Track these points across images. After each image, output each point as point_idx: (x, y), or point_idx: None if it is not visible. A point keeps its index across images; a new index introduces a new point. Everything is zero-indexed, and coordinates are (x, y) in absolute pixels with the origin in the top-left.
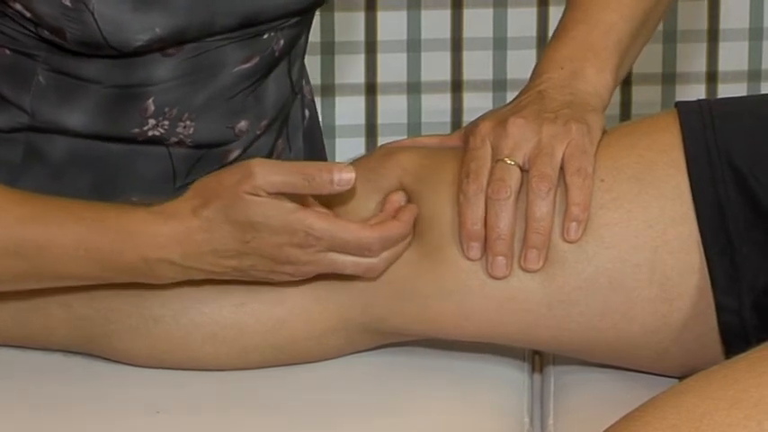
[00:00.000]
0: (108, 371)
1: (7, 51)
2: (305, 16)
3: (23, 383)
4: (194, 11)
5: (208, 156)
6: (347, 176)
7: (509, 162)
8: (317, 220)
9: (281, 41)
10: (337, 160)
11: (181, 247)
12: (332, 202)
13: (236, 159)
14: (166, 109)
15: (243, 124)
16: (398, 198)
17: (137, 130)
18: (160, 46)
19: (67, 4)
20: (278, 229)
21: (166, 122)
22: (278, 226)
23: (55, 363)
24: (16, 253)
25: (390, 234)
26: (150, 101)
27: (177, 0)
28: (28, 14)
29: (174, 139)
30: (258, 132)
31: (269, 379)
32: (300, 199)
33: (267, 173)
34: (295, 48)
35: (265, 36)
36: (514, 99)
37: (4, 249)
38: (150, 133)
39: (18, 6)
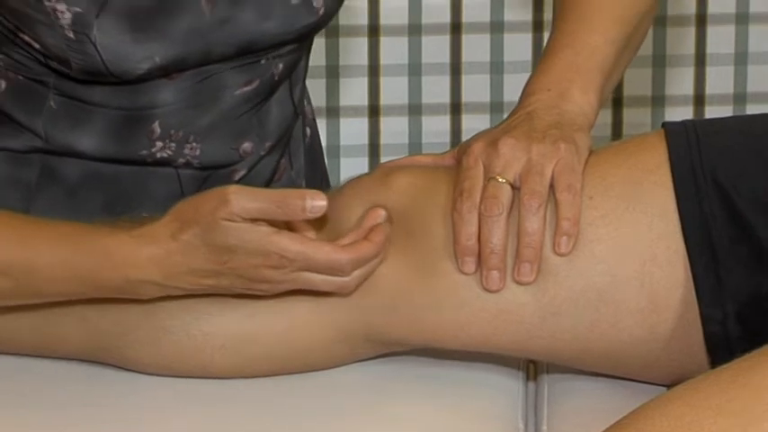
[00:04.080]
0: (117, 377)
1: (20, 78)
2: (302, 43)
3: (38, 389)
4: (191, 41)
5: (214, 176)
6: (319, 204)
7: (501, 180)
8: (290, 243)
9: (280, 66)
10: (341, 179)
11: (160, 269)
12: (332, 220)
13: (242, 179)
14: (172, 131)
15: (247, 145)
16: (376, 215)
17: (145, 152)
18: (161, 73)
19: (71, 36)
20: (253, 252)
21: (173, 144)
22: (253, 249)
23: (68, 369)
24: (4, 272)
25: (361, 255)
26: (156, 124)
27: (174, 31)
28: (36, 45)
29: (181, 161)
30: (262, 153)
31: (268, 386)
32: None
33: (242, 200)
34: (295, 71)
35: (263, 62)
36: (505, 120)
37: None
38: (158, 155)
39: (26, 38)
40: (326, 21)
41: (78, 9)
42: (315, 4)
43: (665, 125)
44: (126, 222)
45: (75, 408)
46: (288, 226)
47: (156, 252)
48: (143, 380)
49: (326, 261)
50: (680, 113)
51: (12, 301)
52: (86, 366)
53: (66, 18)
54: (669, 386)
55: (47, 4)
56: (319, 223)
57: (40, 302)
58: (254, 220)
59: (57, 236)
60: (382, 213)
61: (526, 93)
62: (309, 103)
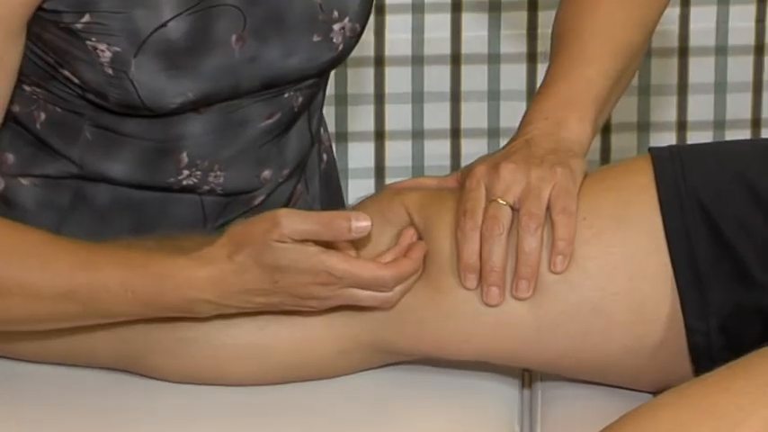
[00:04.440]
0: (143, 384)
1: (58, 109)
2: (322, 77)
3: (70, 397)
4: (221, 77)
5: (235, 202)
6: (363, 224)
7: (501, 202)
8: (337, 262)
9: (300, 98)
10: (350, 199)
11: (216, 288)
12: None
13: (261, 204)
14: (198, 161)
15: (267, 173)
16: (410, 234)
17: (172, 180)
18: (192, 107)
19: (110, 72)
20: (303, 271)
21: (199, 173)
22: (303, 268)
23: (96, 377)
24: (70, 297)
25: (403, 271)
26: (184, 154)
27: (206, 68)
28: (76, 80)
29: (205, 188)
30: (280, 180)
31: (279, 392)
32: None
33: (292, 222)
34: (313, 103)
35: (286, 95)
36: (505, 146)
37: (60, 295)
38: (184, 182)
39: (67, 73)
40: (345, 56)
41: (118, 48)
42: (334, 40)
43: (651, 150)
44: (151, 242)
45: (101, 414)
46: (329, 245)
47: (213, 273)
48: (166, 387)
49: (372, 278)
50: (664, 139)
51: (81, 323)
52: (114, 375)
53: (106, 56)
54: (656, 393)
55: (88, 43)
56: (358, 243)
57: (108, 322)
58: (302, 241)
59: (117, 261)
60: (413, 233)
61: (525, 121)
62: (326, 130)
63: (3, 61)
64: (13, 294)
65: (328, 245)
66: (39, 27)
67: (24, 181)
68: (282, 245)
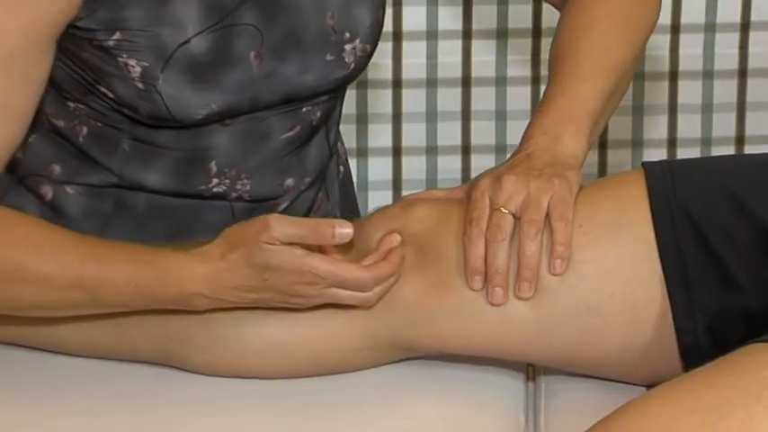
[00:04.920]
0: (180, 376)
1: (98, 124)
2: (337, 93)
3: (114, 389)
4: (241, 91)
5: (261, 208)
6: (345, 231)
7: (504, 211)
8: (321, 263)
9: (318, 113)
10: (369, 209)
11: (211, 284)
12: (361, 242)
13: (285, 210)
14: (226, 170)
15: (290, 181)
16: (391, 240)
17: (203, 188)
18: (217, 119)
19: (140, 86)
20: (290, 271)
21: (227, 181)
22: (290, 268)
23: (137, 369)
24: (80, 287)
25: (381, 273)
26: (213, 163)
27: (228, 82)
28: (111, 95)
29: (234, 195)
30: (302, 188)
31: (299, 384)
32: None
33: (281, 227)
34: (331, 118)
35: (304, 109)
36: (507, 160)
37: (69, 284)
38: (214, 190)
39: (102, 89)
40: (356, 74)
41: (146, 64)
42: (346, 59)
43: (644, 164)
44: (181, 247)
45: (142, 402)
46: (320, 249)
47: (208, 270)
48: (199, 379)
49: (352, 279)
50: (656, 155)
51: (86, 311)
52: (153, 368)
53: (136, 72)
54: (648, 387)
55: (120, 59)
56: (346, 247)
57: (109, 312)
58: (291, 244)
59: (124, 255)
60: (397, 238)
61: (525, 136)
62: (343, 144)
63: (32, 74)
64: (29, 283)
65: (321, 250)
66: (76, 47)
67: (70, 190)
68: (272, 246)
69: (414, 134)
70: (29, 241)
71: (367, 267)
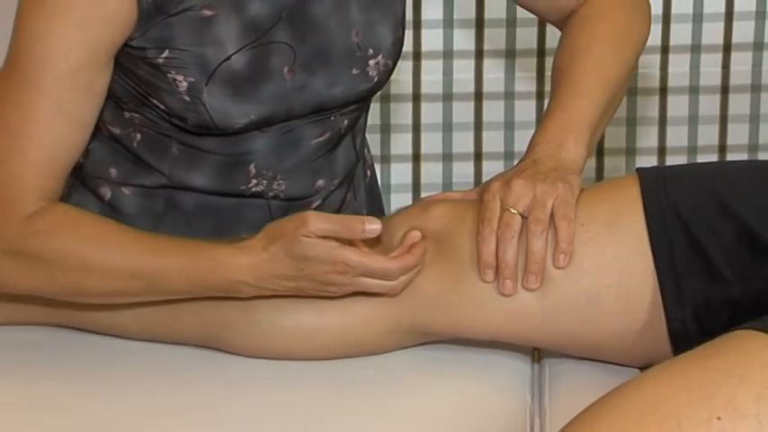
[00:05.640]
0: (223, 357)
1: (151, 132)
2: (362, 104)
3: (163, 370)
4: (276, 102)
5: (295, 206)
6: (375, 227)
7: (513, 211)
8: (353, 255)
9: (346, 121)
10: (392, 210)
11: (254, 273)
12: (385, 237)
13: (317, 208)
14: (264, 171)
15: (320, 182)
16: (415, 235)
17: (243, 188)
18: (255, 127)
19: (187, 99)
20: (324, 261)
21: (265, 182)
22: (324, 259)
23: (185, 351)
24: (137, 276)
25: (406, 264)
26: (252, 166)
27: (265, 94)
28: (162, 106)
29: (270, 194)
30: (332, 188)
31: (327, 365)
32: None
33: (317, 222)
34: (357, 125)
35: (332, 118)
36: (516, 165)
37: (128, 273)
38: (253, 190)
39: (155, 101)
40: (379, 87)
41: (192, 79)
42: (370, 73)
43: (638, 170)
44: (226, 241)
45: (187, 382)
46: (350, 243)
47: (252, 260)
48: (241, 360)
49: (381, 269)
50: (647, 161)
51: (144, 298)
52: (200, 350)
53: (183, 86)
54: (642, 368)
55: (169, 75)
56: (373, 242)
57: (162, 299)
58: (325, 238)
59: (176, 248)
60: (418, 234)
61: (531, 144)
62: (369, 152)
63: (94, 87)
64: (94, 273)
65: (351, 243)
66: (131, 64)
67: (126, 190)
68: (309, 239)
69: (431, 143)
70: (93, 236)
71: (393, 259)
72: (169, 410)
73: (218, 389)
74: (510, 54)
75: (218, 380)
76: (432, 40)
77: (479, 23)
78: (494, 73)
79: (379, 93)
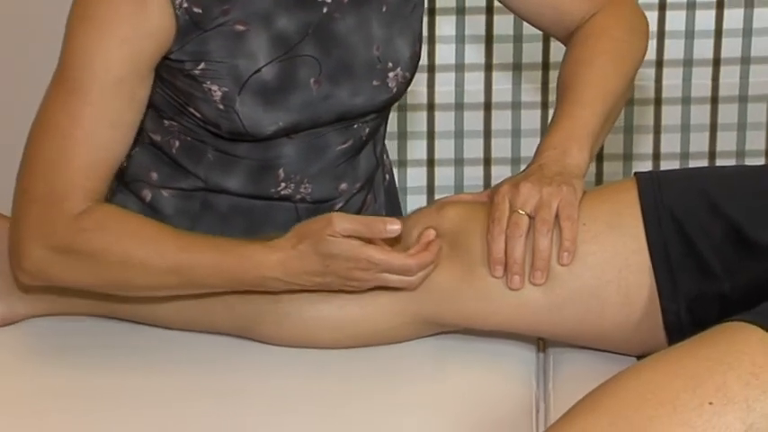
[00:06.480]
0: (253, 346)
1: (188, 139)
2: (382, 113)
3: (197, 357)
4: (304, 111)
5: (321, 208)
6: (395, 228)
7: (521, 212)
8: (375, 252)
9: (367, 129)
10: (408, 211)
11: (283, 269)
12: (403, 236)
13: (340, 209)
14: (292, 175)
15: (344, 186)
16: (430, 233)
17: (273, 191)
18: (283, 134)
19: (221, 107)
20: (348, 258)
21: (292, 185)
22: (348, 256)
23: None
24: (174, 271)
25: (424, 261)
26: (281, 170)
27: (292, 103)
28: (197, 114)
29: (298, 197)
30: (354, 191)
31: (349, 354)
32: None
33: (342, 222)
34: (377, 133)
35: (355, 126)
36: (523, 170)
37: (166, 269)
38: (282, 193)
39: (191, 109)
40: (398, 97)
41: (226, 89)
42: (390, 85)
43: (635, 174)
44: (258, 240)
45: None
46: (371, 242)
47: (281, 257)
48: (269, 348)
49: (400, 265)
50: (643, 166)
51: (181, 292)
52: (231, 339)
53: (217, 95)
54: (639, 357)
55: (204, 85)
56: (392, 240)
57: (198, 293)
58: (349, 237)
59: (211, 245)
60: (433, 233)
61: (538, 151)
62: (388, 157)
63: (136, 96)
64: (135, 268)
65: (373, 242)
66: (171, 76)
67: (165, 193)
68: (334, 238)
69: (444, 149)
70: (134, 234)
71: (412, 256)
72: (201, 393)
73: (247, 375)
74: (517, 67)
75: (246, 367)
76: (445, 54)
77: (489, 39)
78: (502, 84)
79: (396, 103)
